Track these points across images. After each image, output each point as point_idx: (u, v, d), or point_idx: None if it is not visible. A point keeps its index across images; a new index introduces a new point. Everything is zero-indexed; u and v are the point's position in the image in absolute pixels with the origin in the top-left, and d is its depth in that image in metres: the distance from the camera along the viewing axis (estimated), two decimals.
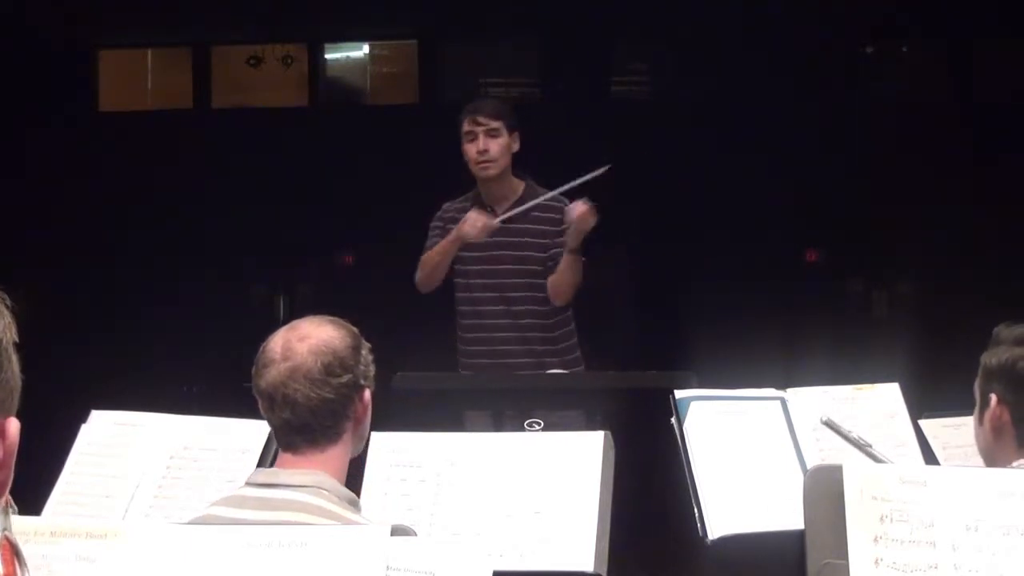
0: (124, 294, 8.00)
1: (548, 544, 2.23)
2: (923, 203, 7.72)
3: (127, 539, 1.57)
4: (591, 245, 4.01)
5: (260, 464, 2.42)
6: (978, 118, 7.88)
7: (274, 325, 2.05)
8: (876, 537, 1.78)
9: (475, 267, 3.97)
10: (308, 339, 1.96)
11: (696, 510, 2.49)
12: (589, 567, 2.17)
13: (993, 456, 2.14)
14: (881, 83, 8.80)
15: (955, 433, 2.69)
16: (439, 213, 4.10)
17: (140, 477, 2.54)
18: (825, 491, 1.85)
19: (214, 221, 8.17)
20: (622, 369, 5.74)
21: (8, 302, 1.11)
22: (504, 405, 3.49)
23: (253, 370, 1.98)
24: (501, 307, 3.96)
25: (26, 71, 8.14)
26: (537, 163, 4.09)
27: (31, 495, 2.10)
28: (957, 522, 1.77)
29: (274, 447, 2.05)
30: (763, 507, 2.50)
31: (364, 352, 2.02)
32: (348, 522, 1.85)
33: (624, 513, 2.31)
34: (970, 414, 2.21)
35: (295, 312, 4.37)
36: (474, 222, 3.88)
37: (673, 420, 2.62)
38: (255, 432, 2.48)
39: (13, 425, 1.10)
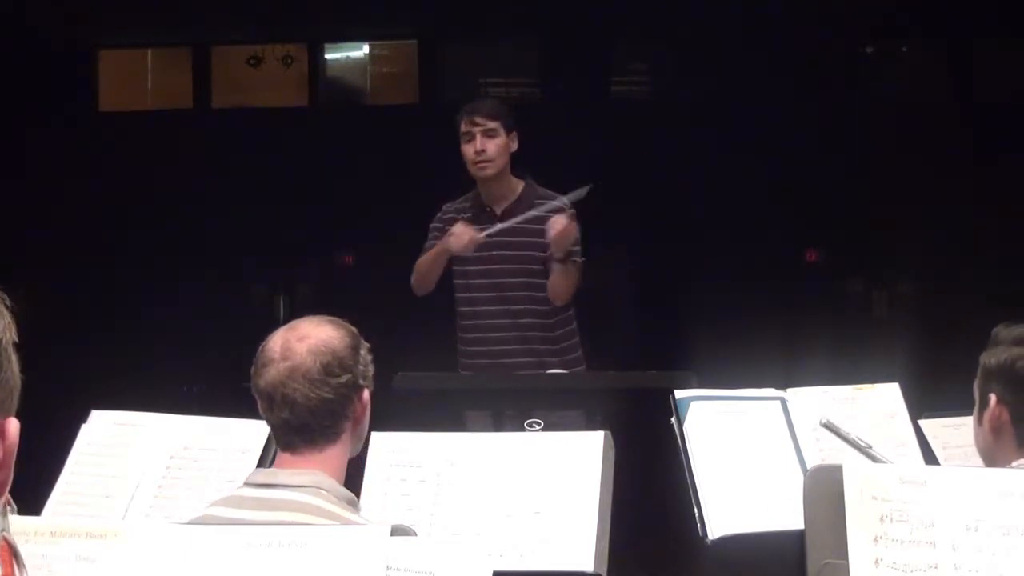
0: (124, 294, 8.00)
1: (548, 544, 2.23)
2: (923, 203, 7.72)
3: (127, 539, 1.57)
4: (591, 245, 4.02)
5: (260, 464, 2.42)
6: (978, 118, 7.88)
7: (274, 325, 2.05)
8: (876, 537, 1.78)
9: (475, 267, 3.97)
10: (307, 339, 1.96)
11: (696, 510, 2.49)
12: (589, 567, 2.17)
13: (992, 456, 2.14)
14: (881, 83, 8.80)
15: (955, 433, 2.69)
16: (439, 214, 4.10)
17: (140, 477, 2.54)
18: (825, 491, 1.85)
19: (214, 221, 8.17)
20: (622, 369, 5.73)
21: (8, 302, 1.11)
22: (504, 405, 3.49)
23: (252, 370, 1.98)
24: (500, 307, 3.96)
25: (26, 71, 8.13)
26: (537, 163, 4.09)
27: (31, 495, 2.10)
28: (957, 522, 1.77)
29: (274, 447, 2.05)
30: (763, 507, 2.50)
31: (363, 352, 2.02)
32: (347, 522, 1.85)
33: (624, 513, 2.31)
34: (970, 414, 2.21)
35: (295, 312, 4.37)
36: (460, 236, 3.88)
37: (673, 420, 2.62)
38: (255, 432, 2.48)
39: (13, 425, 1.10)
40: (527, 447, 2.40)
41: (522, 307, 3.95)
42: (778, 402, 2.70)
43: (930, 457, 2.68)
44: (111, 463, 2.57)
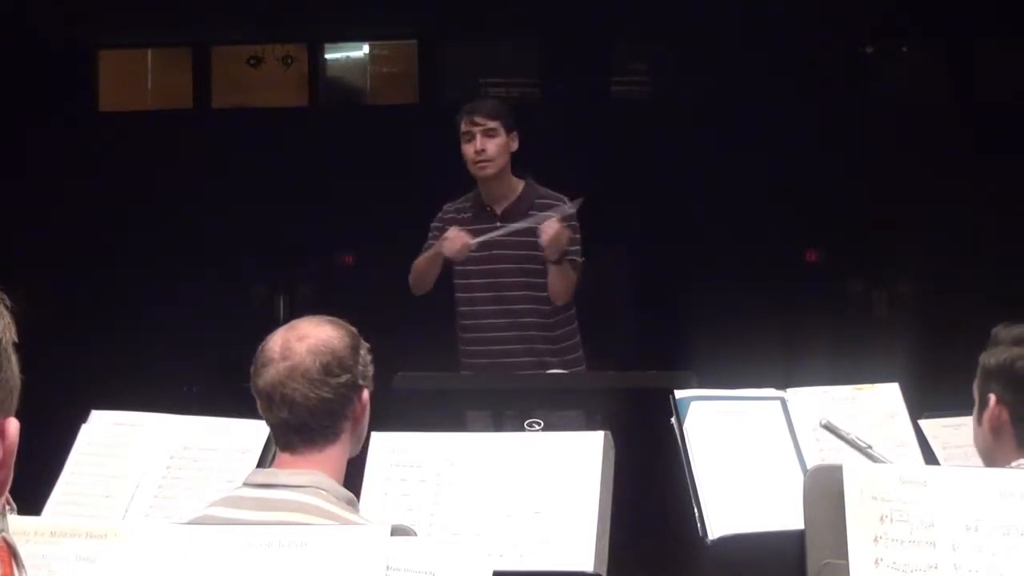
0: (124, 294, 8.01)
1: (548, 544, 2.23)
2: (923, 203, 7.72)
3: (127, 539, 1.57)
4: (591, 245, 4.02)
5: (260, 464, 2.41)
6: (978, 118, 7.88)
7: (274, 325, 2.05)
8: (876, 537, 1.78)
9: (475, 267, 3.97)
10: (307, 339, 1.96)
11: (696, 510, 2.49)
12: (589, 567, 2.17)
13: (992, 456, 2.14)
14: (881, 83, 8.80)
15: (955, 433, 2.69)
16: (439, 214, 4.10)
17: (140, 477, 2.54)
18: (825, 491, 1.85)
19: (214, 221, 8.18)
20: (622, 369, 5.73)
21: (8, 302, 1.11)
22: (504, 405, 3.49)
23: (252, 369, 1.98)
24: (501, 307, 3.96)
25: (26, 71, 8.14)
26: (537, 163, 4.09)
27: (31, 495, 2.10)
28: (957, 522, 1.77)
29: (273, 448, 2.05)
30: (763, 507, 2.50)
31: (363, 352, 2.02)
32: (346, 522, 1.85)
33: (624, 513, 2.31)
34: (970, 414, 2.21)
35: (295, 312, 4.37)
36: (453, 241, 3.88)
37: (673, 420, 2.62)
38: (255, 432, 2.48)
39: (13, 425, 1.10)
40: (527, 447, 2.40)
41: (523, 307, 3.95)
42: (778, 402, 2.70)
43: (930, 457, 2.68)
44: (111, 463, 2.57)
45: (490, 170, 3.95)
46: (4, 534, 1.13)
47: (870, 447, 2.48)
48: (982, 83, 8.51)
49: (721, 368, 3.44)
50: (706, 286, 7.81)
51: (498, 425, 3.44)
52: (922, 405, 2.83)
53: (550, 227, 3.80)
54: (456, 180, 4.12)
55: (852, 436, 2.51)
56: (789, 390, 2.74)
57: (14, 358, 1.11)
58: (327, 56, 9.41)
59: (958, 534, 1.76)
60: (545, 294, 3.93)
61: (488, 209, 4.02)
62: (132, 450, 2.58)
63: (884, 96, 8.58)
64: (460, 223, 4.01)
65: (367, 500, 2.29)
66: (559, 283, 3.90)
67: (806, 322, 7.82)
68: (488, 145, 3.93)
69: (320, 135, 8.50)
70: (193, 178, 8.20)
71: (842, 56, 8.61)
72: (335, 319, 2.04)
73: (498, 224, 3.96)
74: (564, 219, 3.84)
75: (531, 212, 3.94)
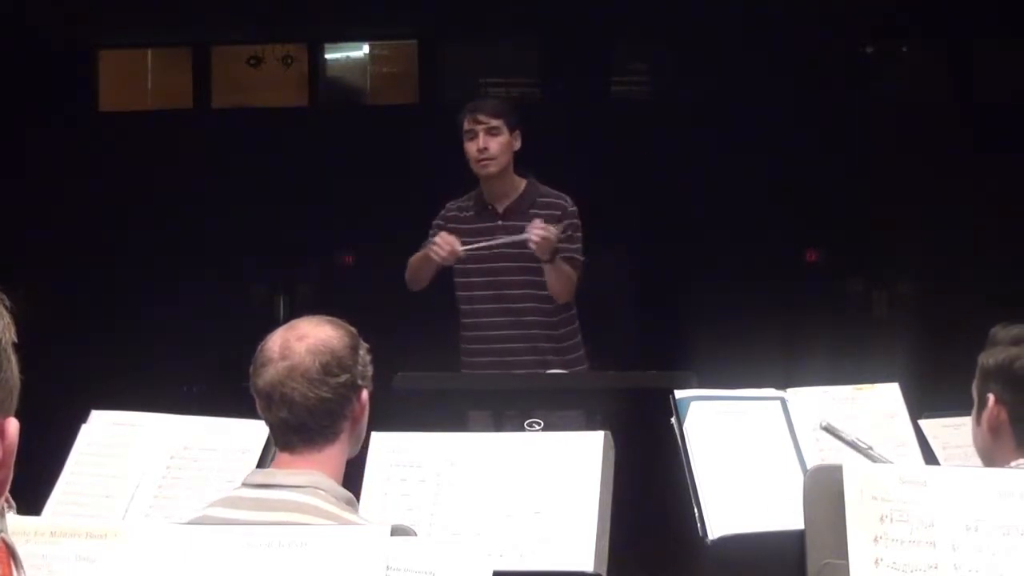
0: (124, 294, 8.01)
1: (548, 544, 2.23)
2: (923, 203, 7.72)
3: (127, 539, 1.57)
4: (591, 245, 4.02)
5: (259, 464, 2.41)
6: (978, 118, 7.88)
7: (274, 325, 2.05)
8: (876, 537, 1.78)
9: (475, 265, 3.97)
10: (306, 338, 1.96)
11: (696, 510, 2.49)
12: (589, 567, 2.17)
13: (991, 456, 2.14)
14: (881, 83, 8.80)
15: (955, 433, 2.69)
16: (441, 212, 4.11)
17: (140, 477, 2.54)
18: (825, 491, 1.85)
19: (214, 221, 8.18)
20: (622, 369, 5.73)
21: (8, 302, 1.11)
22: (504, 405, 3.48)
23: (251, 369, 1.98)
24: (502, 305, 3.96)
25: (26, 71, 8.14)
26: (537, 163, 4.09)
27: (31, 495, 2.10)
28: (957, 522, 1.77)
29: (273, 448, 2.04)
30: (763, 507, 2.50)
31: (362, 352, 2.02)
32: (345, 522, 1.84)
33: (624, 513, 2.31)
34: (969, 414, 2.21)
35: (295, 312, 4.36)
36: (441, 247, 3.88)
37: (673, 420, 2.62)
38: (255, 432, 2.48)
39: (13, 425, 1.10)
40: (527, 447, 2.40)
41: (525, 305, 3.95)
42: (778, 402, 2.70)
43: (930, 457, 2.68)
44: (111, 463, 2.57)
45: (493, 168, 3.95)
46: (3, 534, 1.13)
47: (870, 448, 2.48)
48: (982, 83, 8.50)
49: (721, 368, 3.44)
50: (706, 286, 7.81)
51: (498, 425, 3.44)
52: (922, 405, 2.83)
53: (532, 235, 3.78)
54: (456, 180, 4.12)
55: (852, 438, 2.51)
56: (789, 390, 2.74)
57: (14, 358, 1.11)
58: (327, 56, 9.41)
59: (958, 534, 1.76)
60: (547, 292, 3.93)
61: (490, 207, 4.02)
62: (132, 450, 2.58)
63: (884, 96, 8.58)
64: (462, 221, 4.01)
65: (367, 500, 2.29)
66: (557, 281, 3.90)
67: (806, 322, 7.82)
68: (491, 143, 3.93)
69: (320, 135, 8.50)
70: (193, 178, 8.20)
71: (842, 56, 8.61)
72: (334, 319, 2.04)
73: (499, 223, 3.97)
74: (552, 219, 3.84)
75: (532, 211, 3.94)
